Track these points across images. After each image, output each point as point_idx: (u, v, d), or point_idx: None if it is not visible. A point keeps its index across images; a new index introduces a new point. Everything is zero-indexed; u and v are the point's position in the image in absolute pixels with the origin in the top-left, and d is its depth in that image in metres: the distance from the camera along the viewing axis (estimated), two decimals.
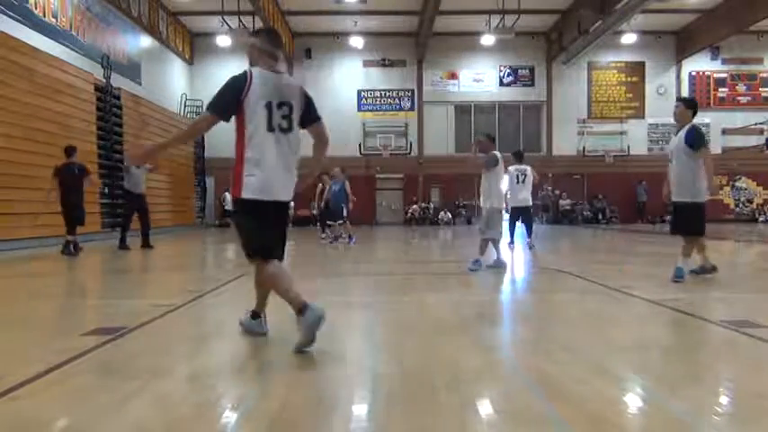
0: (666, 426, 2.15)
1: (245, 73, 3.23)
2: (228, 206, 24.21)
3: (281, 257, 3.50)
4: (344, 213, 12.72)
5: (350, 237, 12.60)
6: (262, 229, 3.29)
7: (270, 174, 3.18)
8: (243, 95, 3.16)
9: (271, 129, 3.19)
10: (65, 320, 4.34)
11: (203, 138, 24.23)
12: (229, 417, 2.24)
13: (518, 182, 10.14)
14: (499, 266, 7.17)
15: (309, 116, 3.47)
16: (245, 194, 3.19)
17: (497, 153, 7.17)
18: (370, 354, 3.31)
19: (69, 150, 10.23)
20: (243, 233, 3.38)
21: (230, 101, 3.20)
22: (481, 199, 7.24)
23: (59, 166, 10.12)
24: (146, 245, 11.41)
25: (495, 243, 7.29)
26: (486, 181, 7.17)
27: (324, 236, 13.70)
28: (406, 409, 2.30)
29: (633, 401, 2.47)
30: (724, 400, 2.50)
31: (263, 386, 2.62)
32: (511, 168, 10.00)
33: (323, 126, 3.62)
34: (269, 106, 3.18)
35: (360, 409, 2.36)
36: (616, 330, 3.81)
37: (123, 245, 11.13)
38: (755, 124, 24.23)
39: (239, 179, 3.19)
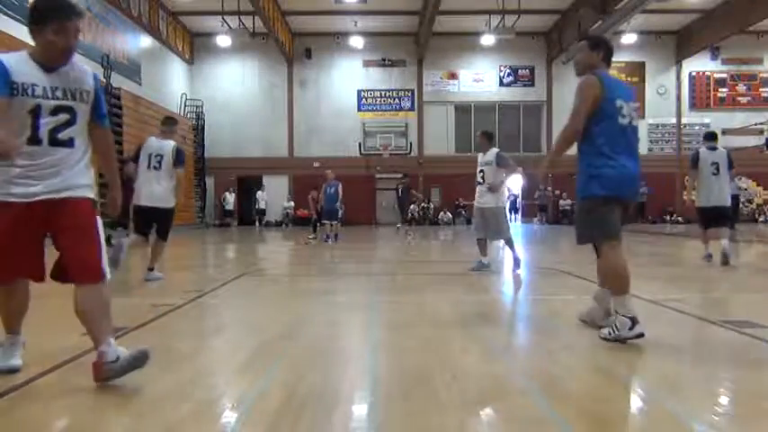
0: (666, 426, 2.15)
1: None
2: (229, 206, 24.26)
3: None
4: (339, 215, 13.50)
5: (335, 236, 13.31)
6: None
7: None
8: None
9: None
10: (65, 320, 4.33)
11: (203, 138, 24.28)
12: (229, 417, 2.24)
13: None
14: (518, 266, 6.97)
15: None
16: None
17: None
18: (370, 353, 3.31)
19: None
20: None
21: None
22: (485, 198, 7.00)
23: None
24: None
25: (511, 243, 7.04)
26: (494, 178, 6.93)
27: (312, 236, 14.11)
28: (405, 409, 2.30)
29: (633, 401, 2.47)
30: (724, 400, 2.50)
31: (263, 386, 2.62)
32: None
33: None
34: None
35: (360, 409, 2.36)
36: None
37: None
38: (755, 124, 24.21)
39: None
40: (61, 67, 2.59)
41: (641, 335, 3.16)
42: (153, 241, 6.35)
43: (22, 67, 2.52)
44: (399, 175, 25.50)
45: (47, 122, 2.52)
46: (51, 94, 2.54)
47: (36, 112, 2.51)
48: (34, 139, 2.52)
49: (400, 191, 17.66)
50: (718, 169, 7.55)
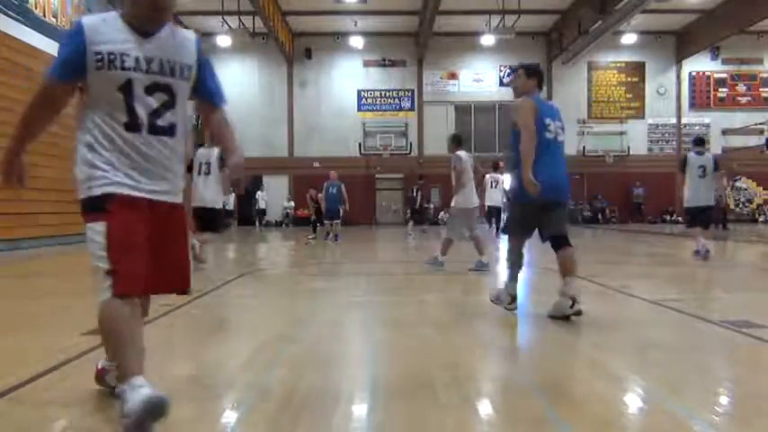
0: (666, 426, 2.15)
1: None
2: (229, 206, 24.20)
3: None
4: (341, 214, 13.51)
5: (336, 236, 13.32)
6: None
7: None
8: None
9: None
10: (65, 320, 4.34)
11: (203, 138, 24.25)
12: (229, 417, 2.24)
13: (492, 187, 12.89)
14: (436, 264, 7.27)
15: None
16: None
17: (461, 153, 7.24)
18: (370, 353, 3.31)
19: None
20: None
21: None
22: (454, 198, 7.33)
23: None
24: None
25: (449, 243, 7.36)
26: (454, 180, 7.28)
27: (312, 236, 14.12)
28: (405, 409, 2.30)
29: (633, 402, 2.47)
30: (724, 400, 2.50)
31: (264, 386, 2.62)
32: (487, 176, 12.67)
33: None
34: None
35: (360, 409, 2.36)
36: (616, 330, 3.81)
37: None
38: (755, 124, 24.22)
39: None
40: (158, 31, 2.16)
41: (580, 312, 3.93)
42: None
43: (109, 30, 2.05)
44: (400, 175, 25.61)
45: (143, 103, 2.07)
46: (146, 67, 2.08)
47: (128, 90, 2.05)
48: (132, 125, 2.07)
49: (414, 192, 18.27)
50: (704, 172, 8.21)
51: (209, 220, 7.32)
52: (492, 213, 13.56)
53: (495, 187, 12.97)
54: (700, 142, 8.63)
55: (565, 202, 4.33)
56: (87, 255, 2.08)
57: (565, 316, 3.95)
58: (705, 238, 8.03)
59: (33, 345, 3.48)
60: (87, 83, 2.04)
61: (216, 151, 7.07)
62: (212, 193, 7.18)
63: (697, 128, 25.55)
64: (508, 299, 4.29)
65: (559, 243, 4.18)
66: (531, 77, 4.32)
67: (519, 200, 4.19)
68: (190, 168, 7.04)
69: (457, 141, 7.48)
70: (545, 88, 27.32)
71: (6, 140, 2.24)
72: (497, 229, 13.01)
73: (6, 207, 11.39)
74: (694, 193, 8.24)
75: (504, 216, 14.67)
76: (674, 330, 3.84)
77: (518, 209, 4.30)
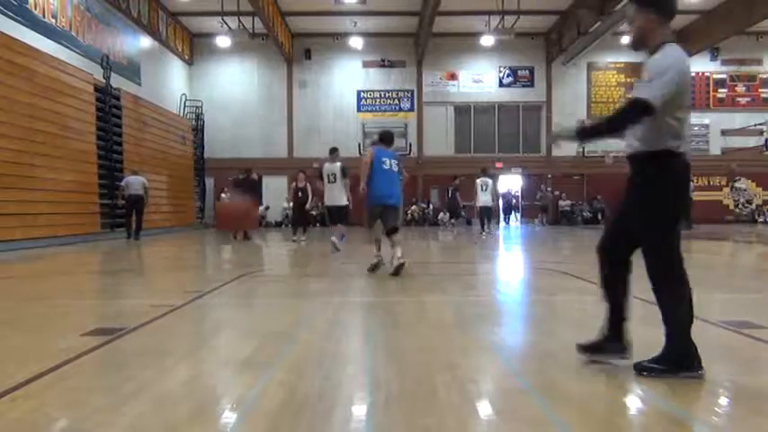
0: (666, 426, 2.16)
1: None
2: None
3: None
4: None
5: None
6: None
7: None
8: None
9: None
10: (65, 321, 4.34)
11: (203, 138, 24.29)
12: (229, 417, 2.24)
13: (482, 189, 14.60)
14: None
15: None
16: None
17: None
18: (370, 353, 3.31)
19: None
20: None
21: None
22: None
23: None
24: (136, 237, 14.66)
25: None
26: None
27: (299, 238, 13.62)
28: (405, 409, 2.30)
29: (633, 401, 2.47)
30: (724, 400, 2.50)
31: (263, 386, 2.62)
32: (478, 180, 14.58)
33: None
34: None
35: (359, 409, 2.36)
36: None
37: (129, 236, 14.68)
38: (755, 125, 24.23)
39: None
40: None
41: (399, 271, 6.62)
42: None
43: None
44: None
45: None
46: None
47: None
48: None
49: (450, 192, 18.81)
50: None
51: (338, 214, 10.19)
52: (483, 212, 15.20)
53: (486, 190, 14.66)
54: None
55: (392, 206, 7.05)
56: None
57: (396, 271, 6.56)
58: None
59: (33, 345, 3.48)
60: None
61: (338, 165, 9.86)
62: (337, 194, 9.86)
63: (696, 128, 25.57)
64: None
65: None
66: (383, 142, 7.36)
67: (369, 203, 7.13)
68: (321, 177, 10.03)
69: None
70: (545, 89, 27.48)
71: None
72: (488, 226, 15.35)
73: (6, 207, 11.39)
74: None
75: (506, 213, 19.44)
76: None
77: (370, 209, 7.14)
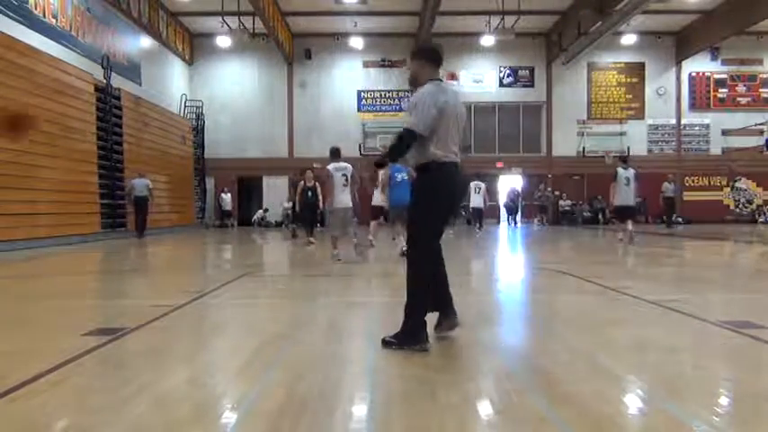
0: (666, 426, 2.16)
1: None
2: (227, 207, 24.24)
3: None
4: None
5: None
6: None
7: None
8: None
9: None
10: (65, 320, 4.34)
11: (203, 138, 24.28)
12: (229, 417, 2.25)
13: (476, 192, 15.98)
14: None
15: None
16: None
17: (330, 167, 9.33)
18: (370, 353, 3.31)
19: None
20: None
21: None
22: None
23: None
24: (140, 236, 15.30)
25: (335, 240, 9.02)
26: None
27: (294, 236, 13.80)
28: (405, 409, 2.30)
29: (633, 402, 2.47)
30: (724, 400, 2.50)
31: (263, 386, 2.62)
32: (471, 183, 15.63)
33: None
34: None
35: (360, 409, 2.36)
36: (616, 331, 3.81)
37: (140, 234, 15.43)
38: (755, 125, 24.21)
39: None
40: None
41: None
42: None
43: None
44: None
45: None
46: None
47: None
48: None
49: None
50: (628, 182, 11.41)
51: (346, 216, 9.86)
52: (475, 213, 16.87)
53: (478, 192, 16.05)
54: (625, 160, 12.43)
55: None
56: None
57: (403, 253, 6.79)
58: (632, 225, 11.15)
59: (33, 345, 3.48)
60: None
61: (350, 167, 9.84)
62: (348, 197, 9.73)
63: (697, 128, 25.57)
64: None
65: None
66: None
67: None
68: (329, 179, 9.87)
69: (331, 154, 9.42)
70: (545, 89, 27.39)
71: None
72: (480, 225, 16.92)
73: (6, 207, 11.39)
74: (622, 196, 11.40)
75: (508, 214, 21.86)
76: (673, 331, 3.84)
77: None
